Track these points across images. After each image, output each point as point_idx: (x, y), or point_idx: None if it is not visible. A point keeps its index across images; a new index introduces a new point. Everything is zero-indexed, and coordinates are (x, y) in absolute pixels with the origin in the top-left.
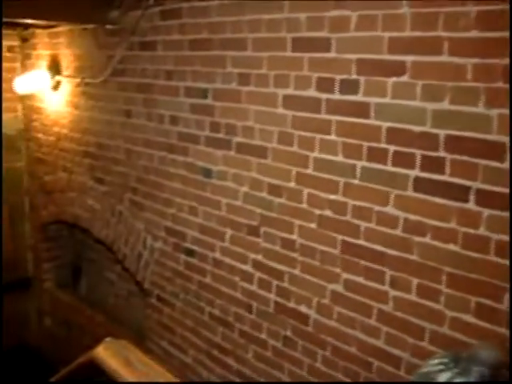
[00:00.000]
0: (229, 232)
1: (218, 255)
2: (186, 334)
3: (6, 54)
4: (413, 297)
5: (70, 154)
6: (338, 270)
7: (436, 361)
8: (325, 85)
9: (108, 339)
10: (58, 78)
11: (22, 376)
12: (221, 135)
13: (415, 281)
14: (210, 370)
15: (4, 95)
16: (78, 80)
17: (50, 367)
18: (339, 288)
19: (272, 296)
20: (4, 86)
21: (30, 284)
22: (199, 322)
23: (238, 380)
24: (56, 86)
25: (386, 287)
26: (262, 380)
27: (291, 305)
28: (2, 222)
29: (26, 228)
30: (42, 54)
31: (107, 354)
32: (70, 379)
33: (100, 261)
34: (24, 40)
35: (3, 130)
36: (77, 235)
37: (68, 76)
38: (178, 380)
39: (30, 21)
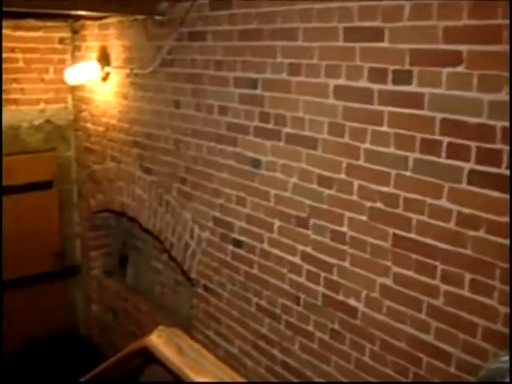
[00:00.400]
0: (277, 223)
1: (265, 246)
2: (232, 325)
3: (57, 45)
4: (465, 292)
5: (118, 144)
6: (388, 264)
7: (505, 358)
8: (377, 75)
9: (160, 327)
10: (107, 69)
11: (71, 361)
12: (270, 125)
13: (468, 275)
14: (255, 361)
15: (55, 86)
16: (127, 71)
17: (98, 352)
18: (389, 281)
19: (320, 288)
20: (55, 76)
21: (78, 271)
22: (246, 313)
23: (282, 371)
24: (105, 77)
25: (437, 281)
26: (308, 372)
27: (340, 297)
28: (2, 215)
29: (75, 216)
30: (91, 45)
31: (160, 341)
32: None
33: (146, 250)
34: (74, 32)
35: (54, 120)
36: (124, 224)
37: (117, 67)
38: (229, 369)
39: (81, 12)
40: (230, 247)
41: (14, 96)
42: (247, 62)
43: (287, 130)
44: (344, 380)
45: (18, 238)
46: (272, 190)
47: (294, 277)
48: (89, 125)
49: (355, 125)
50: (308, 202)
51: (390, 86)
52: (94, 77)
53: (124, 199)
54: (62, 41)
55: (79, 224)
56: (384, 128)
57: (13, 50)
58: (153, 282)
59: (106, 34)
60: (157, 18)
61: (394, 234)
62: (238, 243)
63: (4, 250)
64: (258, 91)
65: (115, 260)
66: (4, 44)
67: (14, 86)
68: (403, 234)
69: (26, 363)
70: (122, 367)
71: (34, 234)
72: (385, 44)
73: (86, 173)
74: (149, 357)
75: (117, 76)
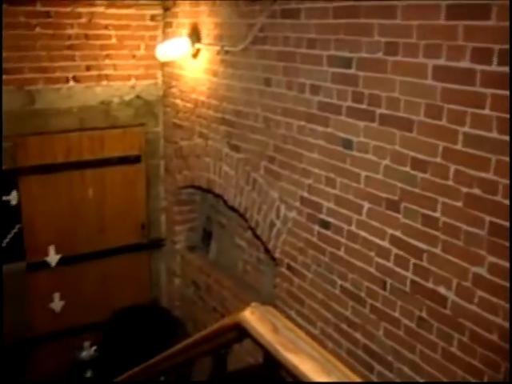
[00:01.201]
0: (366, 205)
1: (353, 228)
2: (315, 306)
3: (148, 22)
4: None
5: (206, 121)
6: (483, 252)
7: None
8: (481, 55)
9: (253, 304)
10: (197, 45)
11: (151, 332)
12: (364, 106)
13: None
14: (336, 344)
15: (145, 62)
16: (218, 48)
17: (178, 325)
18: (483, 271)
19: (409, 274)
20: (146, 53)
21: (162, 245)
22: (329, 295)
23: (364, 355)
24: (195, 54)
25: None
26: (391, 358)
27: (429, 285)
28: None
29: (161, 191)
30: (182, 22)
31: (253, 318)
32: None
33: (231, 227)
34: (166, 9)
35: (144, 96)
36: (209, 200)
37: (208, 44)
38: (324, 350)
39: None
40: (317, 228)
41: (105, 72)
42: (341, 40)
43: (381, 110)
44: (429, 369)
45: (106, 210)
46: (363, 172)
47: (381, 261)
48: (178, 101)
49: (454, 107)
50: (400, 185)
51: (494, 67)
52: (185, 53)
53: (210, 176)
54: (153, 18)
55: (165, 199)
56: (486, 111)
57: (106, 27)
58: (236, 259)
59: (198, 11)
60: None
61: (491, 222)
62: (325, 224)
63: (92, 221)
64: (352, 70)
65: (199, 235)
66: (98, 21)
67: (107, 62)
68: (501, 222)
69: (115, 332)
70: (213, 341)
71: (123, 207)
72: (491, 22)
73: (174, 148)
74: (241, 332)
75: (207, 53)
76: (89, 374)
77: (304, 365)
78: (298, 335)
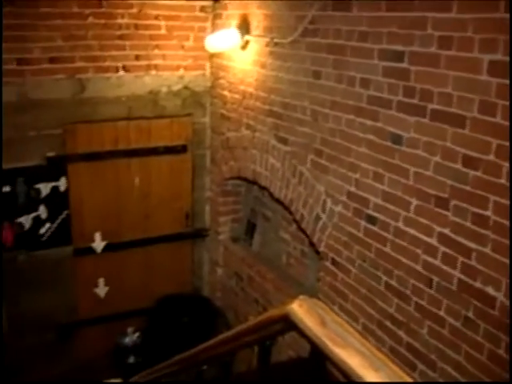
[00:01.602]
0: (414, 202)
1: (400, 224)
2: (358, 302)
3: (198, 13)
4: None
5: (254, 112)
6: None
7: None
8: None
9: (301, 296)
10: (246, 37)
11: (193, 320)
12: (415, 101)
13: None
14: (379, 340)
15: (194, 53)
16: (267, 40)
17: (219, 315)
18: None
19: (456, 273)
20: (195, 44)
21: (206, 235)
22: (374, 291)
23: (407, 353)
24: (244, 46)
25: None
26: (434, 358)
27: (477, 285)
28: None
29: (206, 181)
30: (232, 13)
31: (301, 310)
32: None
33: (275, 219)
34: (216, 0)
35: (191, 86)
36: (254, 192)
37: (257, 36)
38: (372, 347)
39: None
40: (363, 223)
41: (154, 62)
42: (394, 33)
43: (433, 106)
44: (473, 371)
45: (152, 198)
46: (412, 168)
47: (428, 258)
48: (225, 92)
49: (509, 104)
50: (450, 182)
51: None
52: (234, 45)
53: (257, 168)
54: (203, 9)
55: (210, 189)
56: None
57: (156, 17)
58: (279, 252)
59: (247, 3)
60: None
61: None
62: (371, 219)
63: (138, 209)
64: (404, 64)
65: (243, 227)
66: (148, 11)
67: (156, 52)
68: None
69: (157, 319)
70: (259, 332)
71: (168, 196)
72: None
73: (220, 139)
74: (288, 325)
75: (256, 45)
76: (131, 359)
77: (352, 360)
78: (346, 329)
